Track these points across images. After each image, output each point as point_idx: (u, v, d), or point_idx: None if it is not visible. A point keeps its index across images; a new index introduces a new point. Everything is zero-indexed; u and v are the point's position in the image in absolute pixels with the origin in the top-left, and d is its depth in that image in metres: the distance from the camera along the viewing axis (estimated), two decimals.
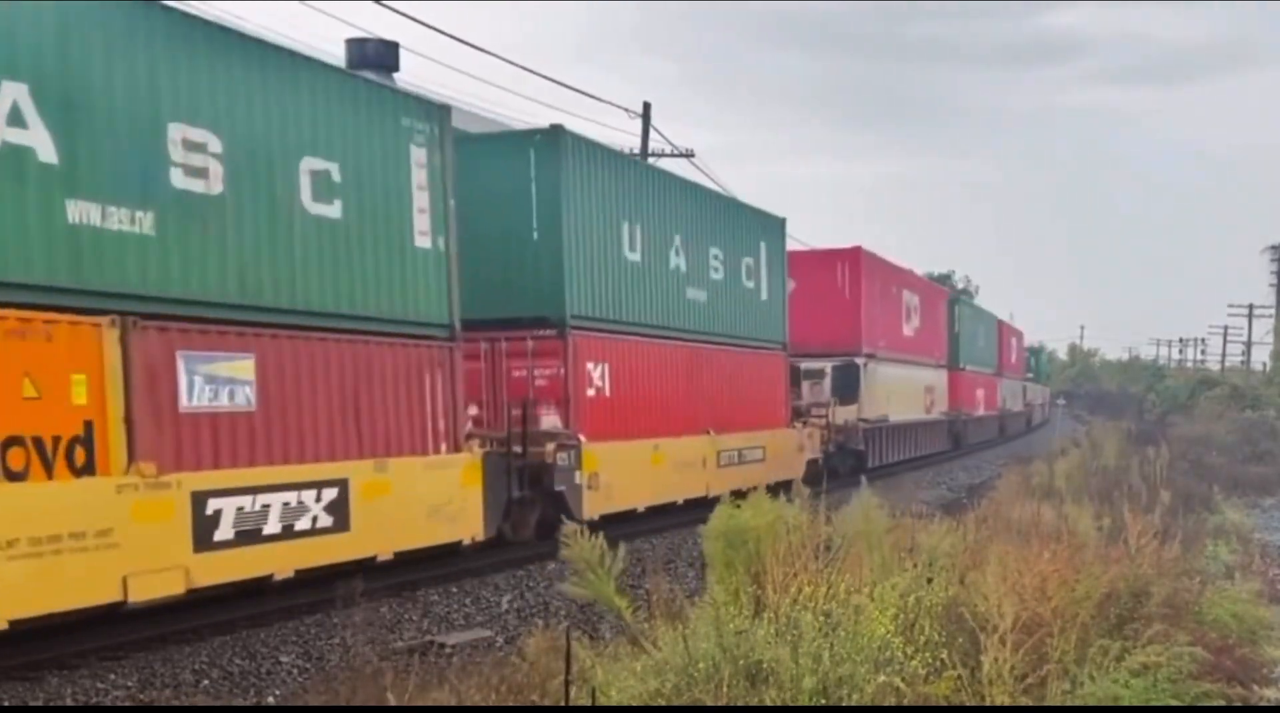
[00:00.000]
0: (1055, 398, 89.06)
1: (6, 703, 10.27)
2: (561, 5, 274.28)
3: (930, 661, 8.15)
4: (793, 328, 30.54)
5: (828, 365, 32.94)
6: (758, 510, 10.68)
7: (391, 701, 8.73)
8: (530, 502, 18.61)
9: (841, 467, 31.33)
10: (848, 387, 33.07)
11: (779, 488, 21.96)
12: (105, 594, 11.34)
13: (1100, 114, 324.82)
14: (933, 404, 44.30)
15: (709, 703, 7.54)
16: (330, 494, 13.96)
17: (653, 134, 37.19)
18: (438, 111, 16.44)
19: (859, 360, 33.70)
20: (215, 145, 12.70)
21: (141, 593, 11.67)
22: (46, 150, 10.94)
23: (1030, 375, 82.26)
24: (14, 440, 10.67)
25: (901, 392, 38.73)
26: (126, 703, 10.46)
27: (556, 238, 19.17)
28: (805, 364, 31.95)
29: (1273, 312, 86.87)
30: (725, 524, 10.58)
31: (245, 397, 13.07)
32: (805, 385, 31.93)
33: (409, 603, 14.46)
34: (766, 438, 27.18)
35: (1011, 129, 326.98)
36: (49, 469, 10.94)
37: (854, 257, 34.94)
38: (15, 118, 10.69)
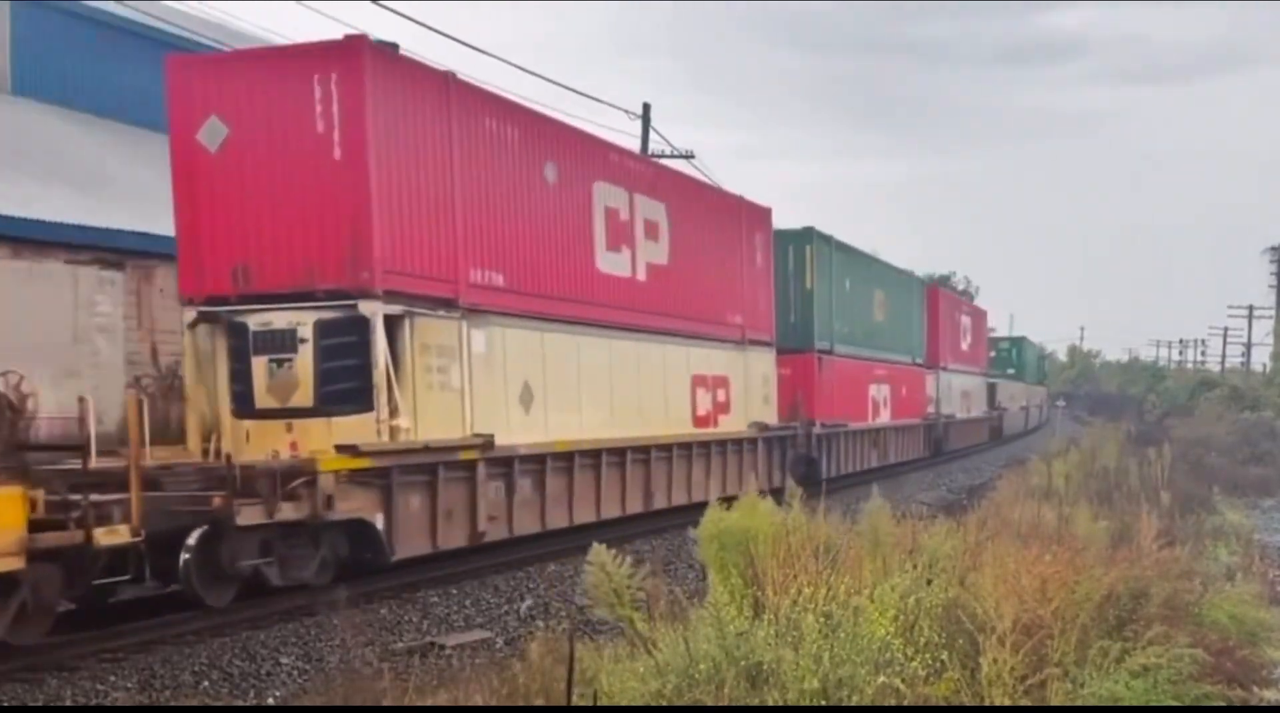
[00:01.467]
0: (1055, 399, 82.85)
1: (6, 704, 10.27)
2: (564, 6, 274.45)
3: (930, 662, 8.15)
4: (216, 230, 15.24)
5: (308, 322, 14.96)
6: (754, 513, 10.71)
7: (389, 702, 8.74)
8: None
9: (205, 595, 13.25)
10: (349, 371, 14.91)
11: None
12: None
13: (1101, 115, 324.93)
14: (723, 411, 24.46)
15: (710, 704, 7.54)
16: None
17: (653, 135, 37.07)
18: None
19: (369, 310, 14.81)
20: None
21: None
22: None
23: (1010, 371, 69.05)
24: None
25: (576, 386, 19.07)
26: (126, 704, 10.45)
27: None
28: (256, 319, 15.15)
29: (1272, 313, 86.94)
30: (719, 527, 10.60)
31: None
32: (257, 368, 15.10)
33: (408, 604, 14.45)
34: None
35: (1011, 130, 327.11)
36: None
37: (349, 61, 14.84)
38: None
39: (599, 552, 9.51)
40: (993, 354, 67.36)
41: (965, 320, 50.85)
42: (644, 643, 8.69)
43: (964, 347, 50.11)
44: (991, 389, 59.11)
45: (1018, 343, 76.13)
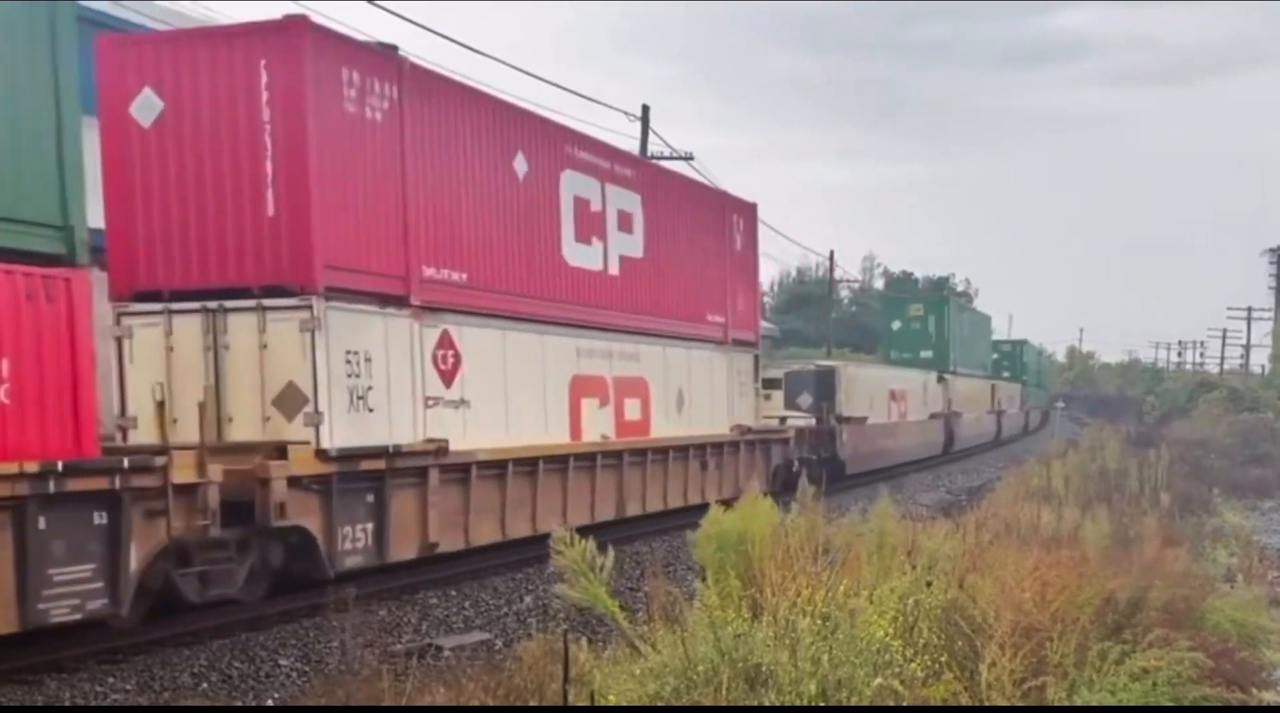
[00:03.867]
0: (1054, 401, 78.66)
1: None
2: (566, 6, 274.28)
3: (930, 663, 8.15)
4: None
5: None
6: (752, 514, 10.71)
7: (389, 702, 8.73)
8: None
9: None
10: None
11: None
12: None
13: (1102, 116, 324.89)
14: None
15: (709, 705, 7.54)
16: None
17: (652, 137, 37.08)
18: None
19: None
20: None
21: None
22: None
23: (926, 354, 46.96)
24: None
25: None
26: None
27: None
28: None
29: (1271, 314, 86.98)
30: (717, 528, 10.60)
31: None
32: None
33: (407, 606, 14.44)
34: None
35: (1013, 132, 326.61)
36: None
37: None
38: None
39: (558, 531, 9.57)
40: (896, 325, 49.64)
41: (621, 199, 20.34)
42: (627, 637, 8.69)
43: (604, 266, 19.88)
44: (825, 383, 31.96)
45: (939, 307, 48.31)
